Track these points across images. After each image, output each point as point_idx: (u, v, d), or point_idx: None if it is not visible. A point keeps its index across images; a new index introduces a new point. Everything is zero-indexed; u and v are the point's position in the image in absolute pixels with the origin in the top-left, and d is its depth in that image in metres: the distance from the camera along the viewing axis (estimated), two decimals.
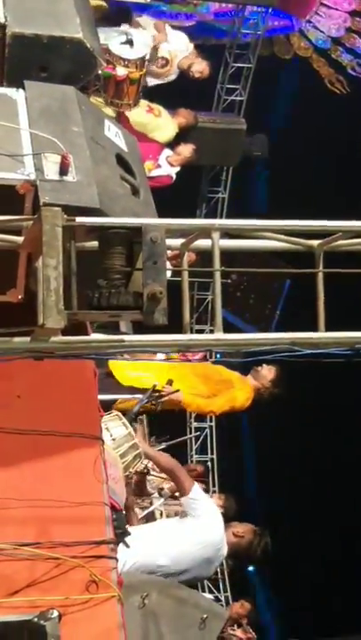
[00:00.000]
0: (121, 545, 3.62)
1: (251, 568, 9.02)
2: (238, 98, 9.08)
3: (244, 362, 6.06)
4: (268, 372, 6.25)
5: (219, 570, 7.18)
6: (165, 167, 7.36)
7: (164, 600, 4.09)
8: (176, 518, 5.22)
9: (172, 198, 7.42)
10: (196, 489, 4.90)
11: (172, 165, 7.39)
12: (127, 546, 4.05)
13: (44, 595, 3.16)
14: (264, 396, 6.37)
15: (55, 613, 2.95)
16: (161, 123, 7.31)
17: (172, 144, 7.50)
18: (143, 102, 6.96)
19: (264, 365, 6.12)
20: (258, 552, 5.10)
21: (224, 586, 8.03)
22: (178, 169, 7.47)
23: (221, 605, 6.98)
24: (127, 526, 4.19)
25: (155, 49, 7.29)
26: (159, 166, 7.32)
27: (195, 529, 4.73)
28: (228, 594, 8.10)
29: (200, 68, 7.51)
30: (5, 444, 3.40)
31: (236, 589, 7.93)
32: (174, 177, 7.50)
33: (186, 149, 7.43)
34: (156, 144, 7.31)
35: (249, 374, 6.36)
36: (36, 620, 2.92)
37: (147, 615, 3.99)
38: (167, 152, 7.43)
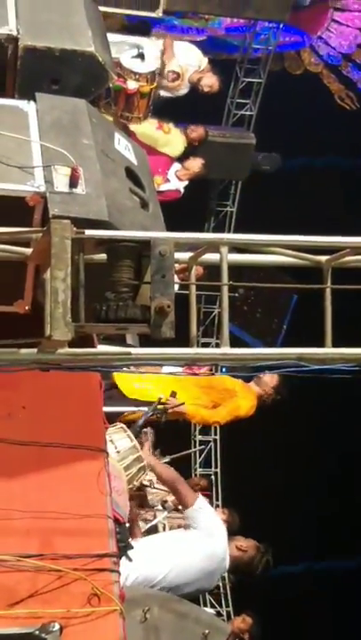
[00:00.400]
0: (123, 558, 3.61)
1: None
2: (248, 112, 9.10)
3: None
4: (270, 379, 6.24)
5: (221, 584, 7.16)
6: (174, 181, 7.38)
7: (165, 614, 4.07)
8: (179, 530, 5.20)
9: (180, 211, 7.43)
10: (201, 500, 4.89)
11: (180, 180, 7.40)
12: (130, 559, 4.04)
13: (45, 607, 3.15)
14: (266, 403, 6.36)
15: (56, 626, 2.94)
16: (171, 139, 7.32)
17: (182, 158, 7.52)
18: (153, 120, 6.97)
19: (266, 372, 6.11)
20: (259, 569, 5.06)
21: (226, 600, 7.99)
22: (186, 183, 7.48)
23: (223, 620, 6.94)
24: (130, 539, 4.18)
25: (162, 65, 7.31)
26: (168, 181, 7.33)
27: (198, 541, 4.71)
28: (230, 608, 8.05)
29: (210, 82, 7.52)
30: (10, 454, 3.40)
31: (239, 603, 7.89)
32: (183, 191, 7.51)
33: (195, 164, 7.44)
34: (165, 157, 7.32)
35: (252, 381, 6.36)
36: (37, 632, 2.91)
37: (148, 629, 3.97)
38: (176, 166, 7.44)
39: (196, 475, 9.04)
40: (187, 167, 7.40)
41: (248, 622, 5.54)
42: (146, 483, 5.75)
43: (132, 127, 6.32)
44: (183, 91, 7.48)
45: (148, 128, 6.86)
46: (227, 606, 8.07)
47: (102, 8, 4.96)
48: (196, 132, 7.52)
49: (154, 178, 4.49)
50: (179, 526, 5.61)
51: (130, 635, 3.34)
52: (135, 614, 3.92)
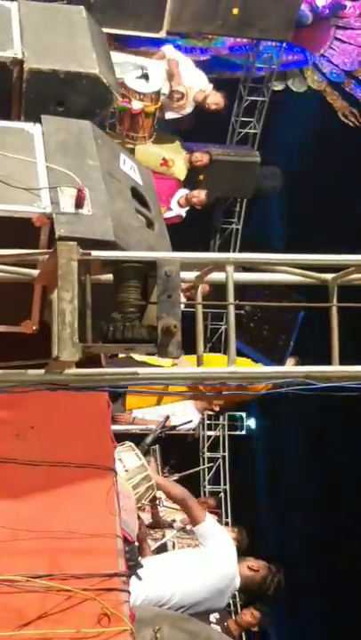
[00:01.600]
0: (133, 577, 3.59)
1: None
2: (252, 131, 9.13)
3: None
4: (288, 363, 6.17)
5: (231, 602, 7.10)
6: (176, 209, 7.44)
7: (176, 634, 4.03)
8: (189, 550, 5.17)
9: (186, 228, 7.47)
10: (209, 519, 4.85)
11: (181, 206, 7.46)
12: (139, 578, 4.01)
13: (55, 627, 3.12)
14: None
15: None
16: (175, 171, 7.38)
17: (187, 181, 7.58)
18: (158, 155, 7.00)
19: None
20: (271, 589, 5.01)
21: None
22: (187, 208, 7.53)
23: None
24: (139, 558, 4.15)
25: (170, 83, 7.36)
26: (170, 209, 7.39)
27: (208, 560, 4.67)
28: None
29: (216, 99, 7.56)
30: (18, 474, 3.39)
31: None
32: (184, 215, 7.54)
33: (198, 197, 7.48)
34: (172, 181, 7.37)
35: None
36: None
37: None
38: (181, 192, 7.48)
39: (205, 492, 8.98)
40: (189, 199, 7.45)
41: (256, 616, 5.50)
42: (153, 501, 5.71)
43: (138, 152, 6.29)
44: (188, 110, 7.52)
45: (153, 161, 6.90)
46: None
47: (106, 30, 4.99)
48: (202, 160, 7.57)
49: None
50: (188, 545, 5.58)
51: None
52: (145, 634, 3.88)
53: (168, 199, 7.36)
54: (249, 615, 5.55)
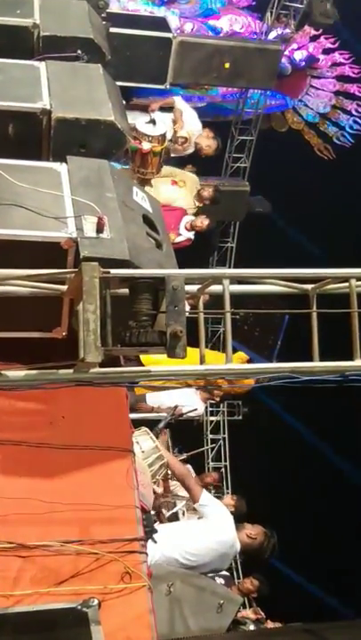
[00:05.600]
0: (150, 541, 3.59)
1: None
2: (243, 165, 9.17)
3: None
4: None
5: (233, 562, 7.08)
6: (185, 233, 7.42)
7: (186, 588, 4.03)
8: (195, 519, 5.15)
9: (189, 247, 7.45)
10: (205, 495, 4.76)
11: (188, 230, 7.45)
12: (155, 542, 4.00)
13: (85, 584, 3.13)
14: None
15: (95, 601, 2.92)
16: (184, 193, 7.38)
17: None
18: (167, 177, 7.00)
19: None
20: (267, 553, 4.95)
21: (238, 574, 7.90)
22: (194, 232, 7.53)
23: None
24: (155, 524, 4.14)
25: (174, 128, 7.38)
26: (180, 234, 7.38)
27: (210, 530, 4.61)
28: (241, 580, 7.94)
29: (207, 143, 7.61)
30: (53, 457, 3.40)
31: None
32: (193, 238, 7.51)
33: (203, 222, 7.48)
34: (178, 211, 7.37)
35: None
36: (79, 607, 2.89)
37: (172, 601, 3.93)
38: (187, 219, 7.47)
39: (208, 468, 8.98)
40: (195, 223, 7.45)
41: (255, 584, 5.45)
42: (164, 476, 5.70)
43: (149, 189, 6.28)
44: (190, 150, 7.56)
45: (164, 189, 6.91)
46: (237, 578, 7.98)
47: (119, 83, 4.99)
48: (209, 191, 7.55)
49: (168, 234, 4.46)
50: (194, 512, 5.56)
51: (157, 606, 3.31)
52: (161, 588, 3.88)
53: (176, 226, 7.33)
54: (249, 583, 5.52)
